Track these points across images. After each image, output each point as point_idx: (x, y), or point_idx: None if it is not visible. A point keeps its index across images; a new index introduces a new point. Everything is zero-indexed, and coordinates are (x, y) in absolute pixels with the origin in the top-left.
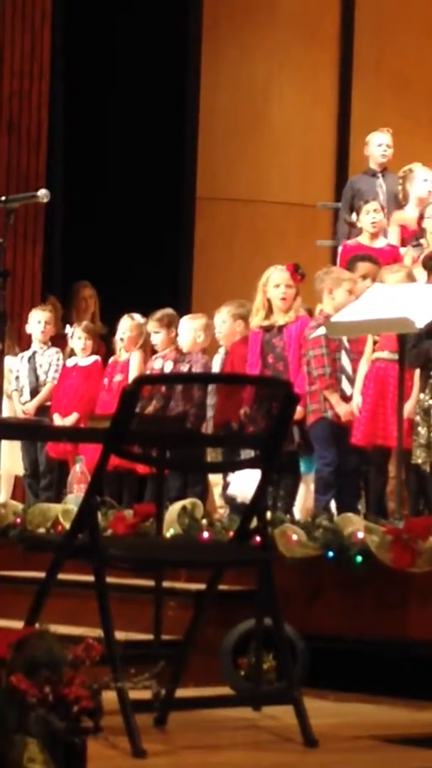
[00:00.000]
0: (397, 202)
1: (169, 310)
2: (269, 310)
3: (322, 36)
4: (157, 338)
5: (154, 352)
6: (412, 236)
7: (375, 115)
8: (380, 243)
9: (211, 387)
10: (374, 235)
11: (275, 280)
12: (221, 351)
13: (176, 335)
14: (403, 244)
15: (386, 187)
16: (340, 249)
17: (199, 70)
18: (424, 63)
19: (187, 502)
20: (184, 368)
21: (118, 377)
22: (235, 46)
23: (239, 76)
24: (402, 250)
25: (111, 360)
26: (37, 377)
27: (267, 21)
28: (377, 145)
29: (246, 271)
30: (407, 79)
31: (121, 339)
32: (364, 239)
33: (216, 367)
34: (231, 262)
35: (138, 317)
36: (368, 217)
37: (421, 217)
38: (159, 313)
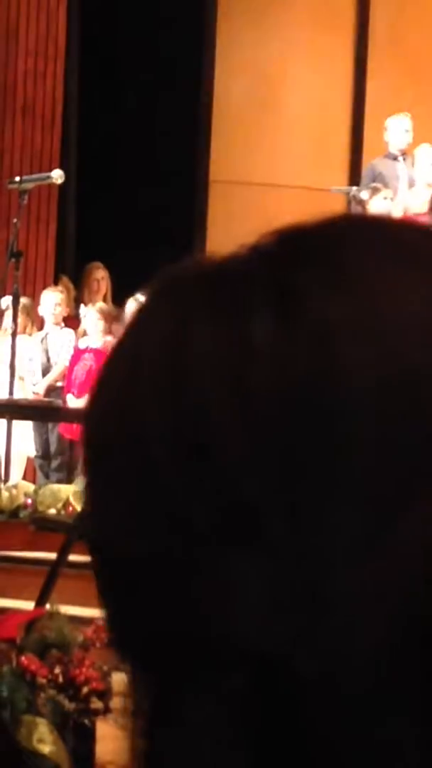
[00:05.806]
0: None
1: None
2: None
3: (337, 18)
4: None
5: None
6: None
7: (390, 98)
8: None
9: None
10: None
11: None
12: None
13: None
14: None
15: (408, 170)
16: None
17: (214, 52)
18: None
19: None
20: None
21: None
22: (250, 28)
23: (254, 58)
24: None
25: None
26: (48, 358)
27: (282, 3)
28: (397, 130)
29: None
30: (423, 62)
31: None
32: None
33: None
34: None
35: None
36: (384, 203)
37: None
38: None
